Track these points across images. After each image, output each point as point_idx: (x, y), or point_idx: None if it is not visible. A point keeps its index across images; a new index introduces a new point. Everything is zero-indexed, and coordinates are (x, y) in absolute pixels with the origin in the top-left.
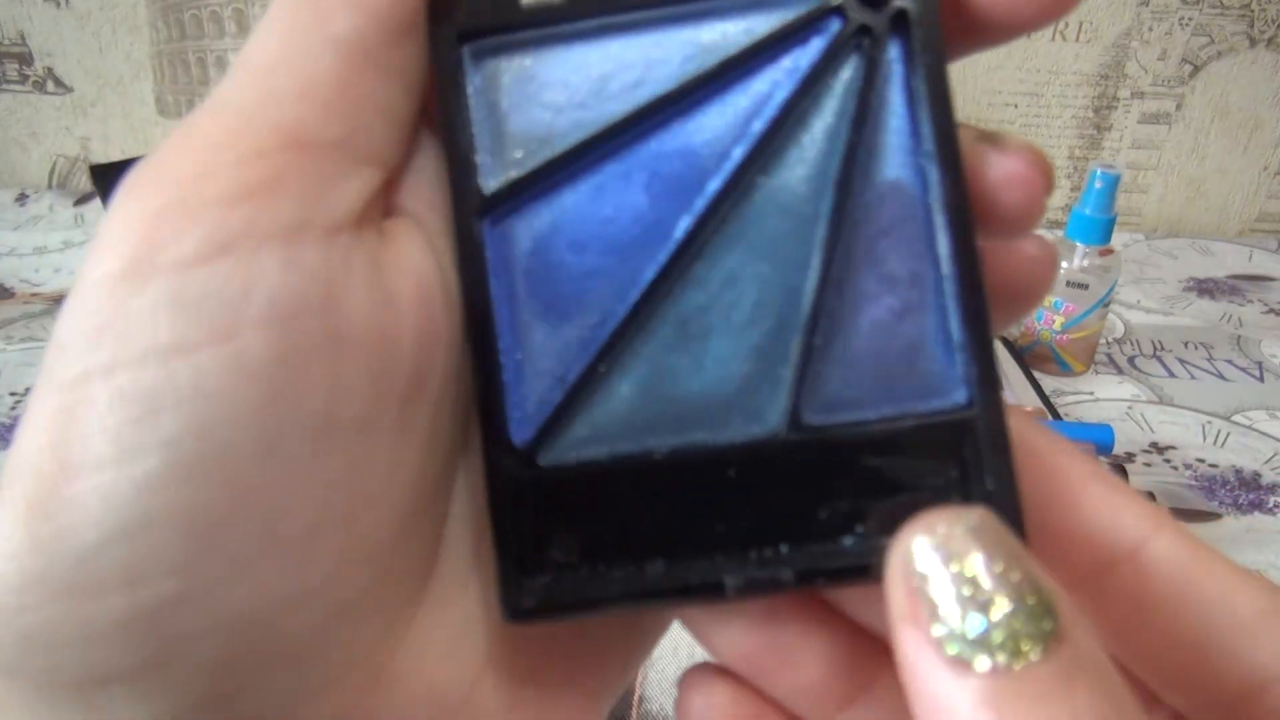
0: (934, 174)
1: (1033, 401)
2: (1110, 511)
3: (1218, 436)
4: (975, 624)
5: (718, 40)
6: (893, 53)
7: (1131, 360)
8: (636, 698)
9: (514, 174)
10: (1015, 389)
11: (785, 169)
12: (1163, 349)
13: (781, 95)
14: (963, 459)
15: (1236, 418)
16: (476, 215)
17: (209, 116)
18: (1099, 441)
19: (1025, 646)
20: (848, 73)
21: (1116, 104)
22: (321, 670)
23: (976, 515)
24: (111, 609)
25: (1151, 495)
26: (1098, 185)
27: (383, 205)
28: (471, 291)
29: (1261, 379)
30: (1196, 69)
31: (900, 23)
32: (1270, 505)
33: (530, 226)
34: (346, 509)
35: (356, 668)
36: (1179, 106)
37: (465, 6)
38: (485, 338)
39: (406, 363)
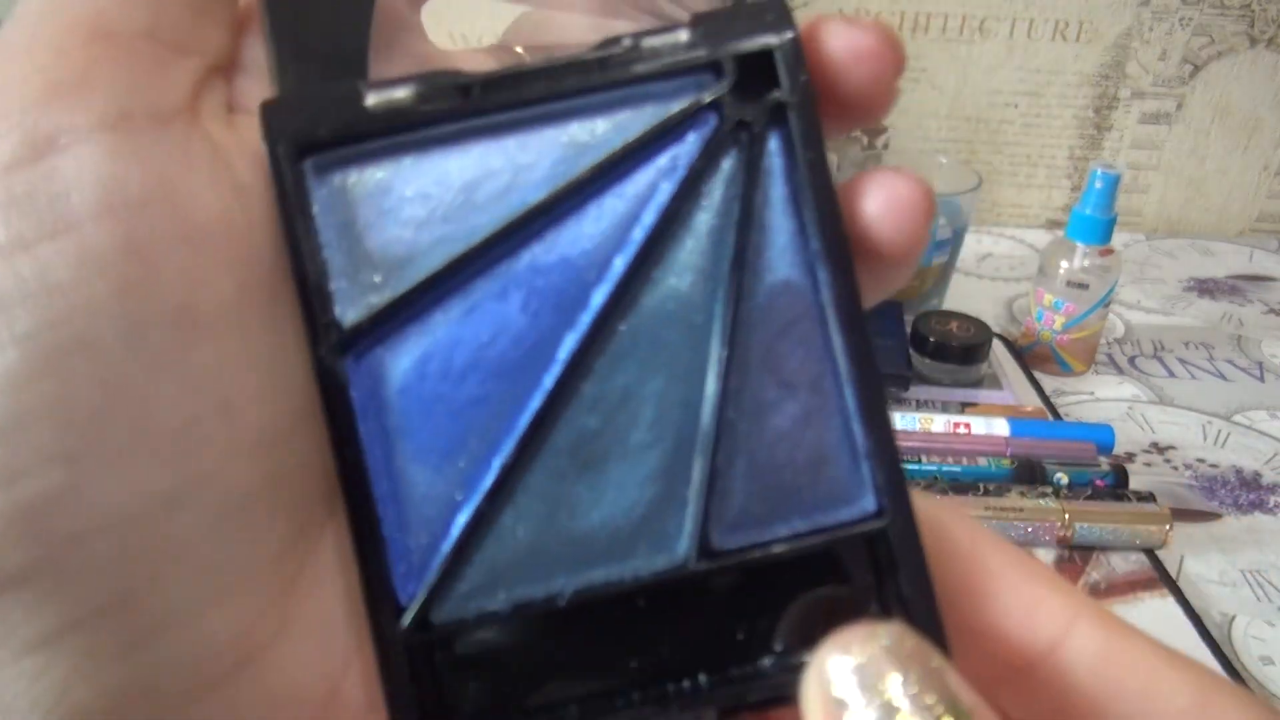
0: (823, 274)
1: (1033, 402)
2: (1028, 605)
3: (1218, 436)
4: None
5: (588, 140)
6: (772, 145)
7: (1132, 360)
8: None
9: (375, 301)
10: (1016, 389)
11: (672, 276)
12: (1163, 349)
13: (662, 197)
14: (877, 567)
15: (1237, 418)
16: (336, 352)
17: (9, 25)
18: (1099, 441)
19: None
20: (727, 169)
21: (1117, 104)
22: (218, 577)
23: (892, 632)
24: None
25: (1152, 495)
26: (1098, 185)
27: (221, 100)
28: (338, 437)
29: (1262, 379)
30: (1197, 69)
31: (778, 115)
32: (1270, 505)
33: (399, 358)
34: (223, 402)
35: (255, 583)
36: (1179, 106)
37: (304, 114)
38: (358, 488)
39: (266, 253)
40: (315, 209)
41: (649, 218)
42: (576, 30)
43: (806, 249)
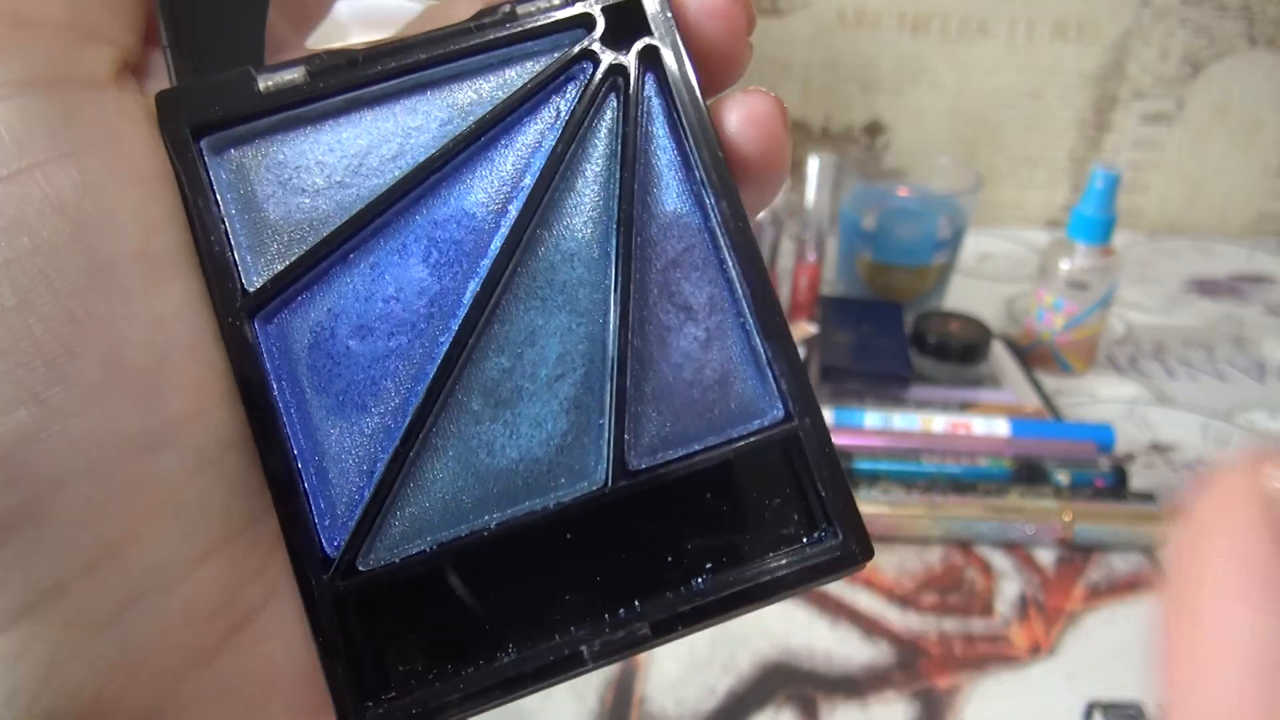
0: (710, 201)
1: (1033, 402)
2: None
3: (1218, 437)
4: None
5: (473, 100)
6: (649, 88)
7: (1132, 360)
8: (637, 698)
9: (279, 266)
10: (1016, 389)
11: (565, 217)
12: (1163, 349)
13: (548, 144)
14: (794, 473)
15: (1237, 418)
16: (244, 316)
17: None
18: (1099, 441)
19: None
20: (608, 113)
21: (1117, 104)
22: (202, 529)
23: None
24: None
25: (1152, 495)
26: (1098, 185)
27: (138, 90)
28: (252, 398)
29: (1262, 379)
30: (1197, 69)
31: (649, 57)
32: None
33: (307, 318)
34: (192, 345)
35: (240, 540)
36: (1180, 107)
37: (197, 98)
38: (276, 446)
39: None
40: (215, 185)
41: (538, 164)
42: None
43: (691, 180)
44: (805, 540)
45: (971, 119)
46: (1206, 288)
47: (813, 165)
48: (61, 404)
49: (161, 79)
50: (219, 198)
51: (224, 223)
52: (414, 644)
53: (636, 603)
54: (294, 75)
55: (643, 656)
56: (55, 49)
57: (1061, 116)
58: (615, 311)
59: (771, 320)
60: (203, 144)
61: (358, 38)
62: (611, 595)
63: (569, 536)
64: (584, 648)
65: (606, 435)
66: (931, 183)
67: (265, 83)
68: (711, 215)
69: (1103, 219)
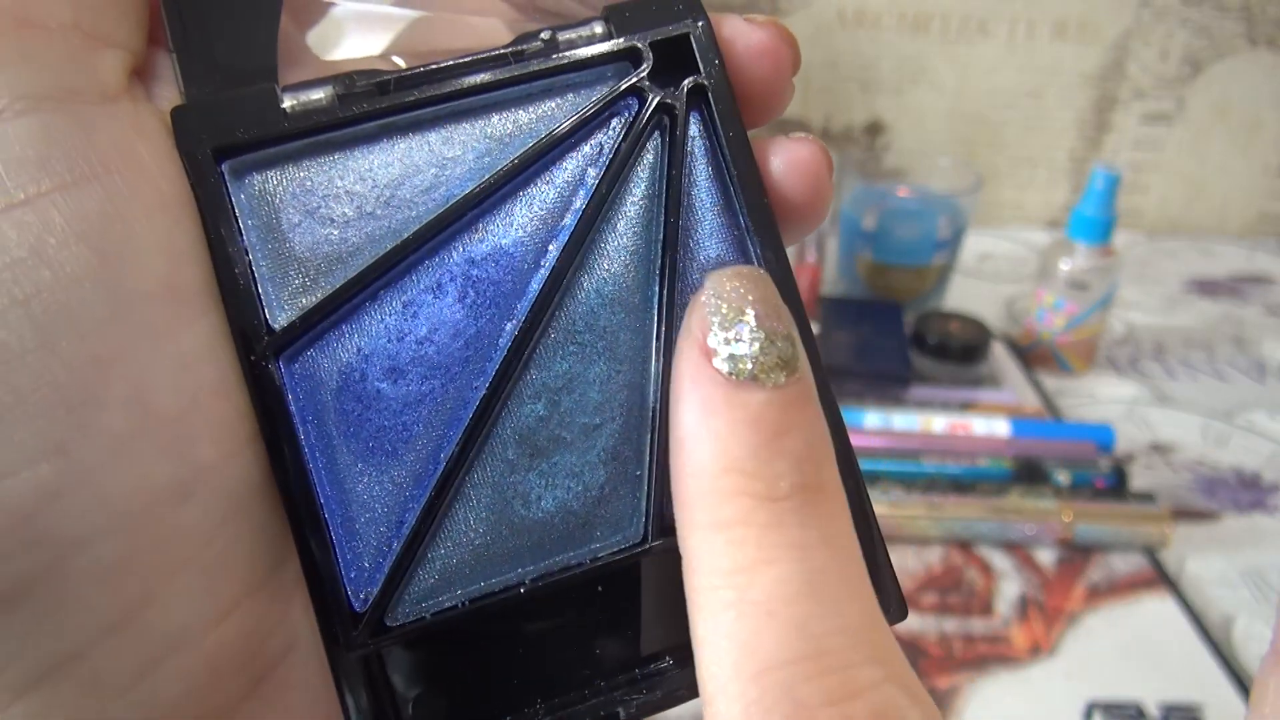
0: (755, 249)
1: (1033, 402)
2: None
3: (1218, 437)
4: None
5: (511, 131)
6: (693, 129)
7: (1132, 360)
8: None
9: (306, 302)
10: (1016, 389)
11: (606, 259)
12: (1163, 349)
13: (590, 182)
14: None
15: (1237, 418)
16: (270, 356)
17: None
18: (1099, 441)
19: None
20: (651, 152)
21: (1117, 104)
22: (227, 583)
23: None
24: None
25: (1152, 495)
26: (1098, 185)
27: (147, 97)
28: (277, 443)
29: (1262, 380)
30: (1197, 69)
31: (696, 97)
32: (1270, 505)
33: (335, 359)
34: (219, 384)
35: (263, 591)
36: (1180, 107)
37: (219, 118)
38: (302, 493)
39: None
40: (237, 212)
41: (579, 203)
42: (455, 39)
43: (735, 225)
44: None
45: (971, 119)
46: (1206, 288)
47: None
48: (86, 456)
49: (167, 82)
50: (241, 226)
51: (248, 254)
52: (443, 701)
53: (669, 659)
54: (320, 95)
55: None
56: (65, 56)
57: (1061, 116)
58: (657, 362)
59: (819, 375)
60: (224, 167)
61: (351, 35)
62: (646, 650)
63: (603, 590)
64: (620, 709)
65: (645, 488)
66: (931, 183)
67: (290, 101)
68: (755, 262)
69: (1103, 219)
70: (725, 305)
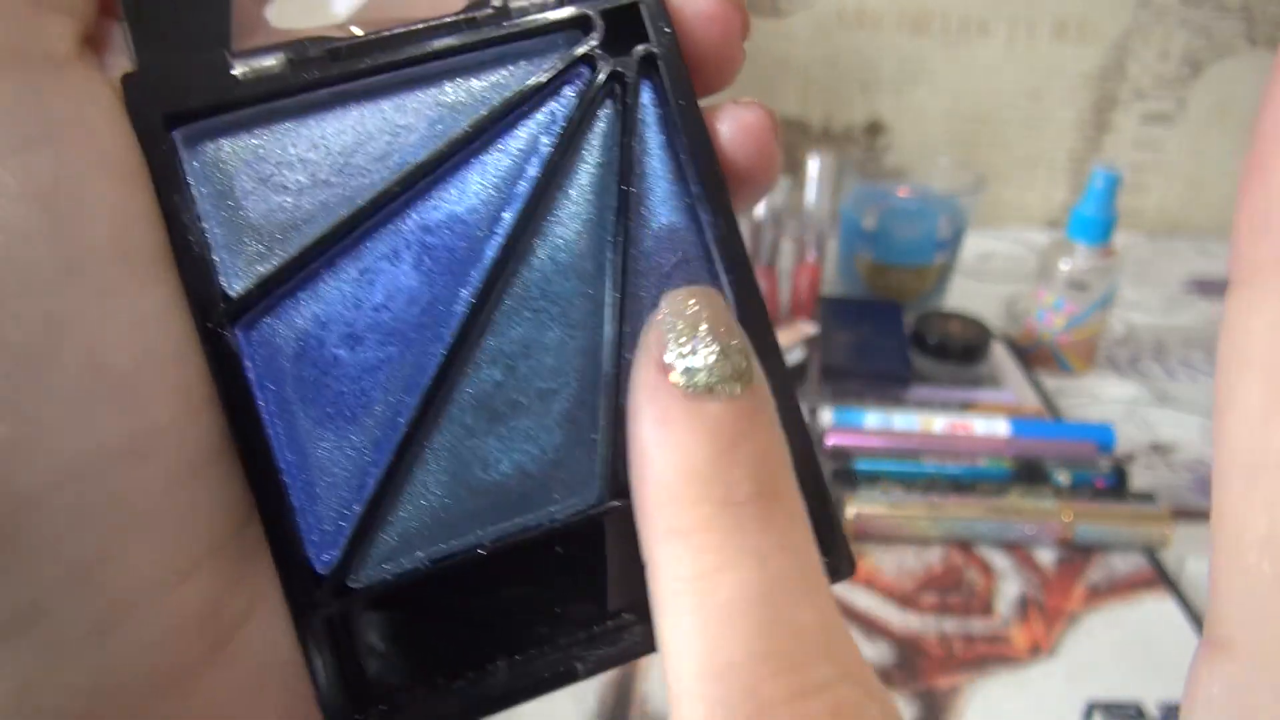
0: (705, 216)
1: (1033, 402)
2: None
3: None
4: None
5: (464, 99)
6: (645, 97)
7: (1132, 360)
8: (637, 698)
9: (262, 269)
10: (1016, 389)
11: (560, 226)
12: (1163, 349)
13: (544, 150)
14: None
15: None
16: (226, 323)
17: None
18: (1099, 441)
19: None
20: (604, 121)
21: (1117, 104)
22: (184, 544)
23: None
24: None
25: (1152, 495)
26: (1098, 185)
27: (99, 65)
28: (236, 410)
29: None
30: (1197, 69)
31: (647, 65)
32: None
33: (292, 325)
34: (175, 350)
35: (222, 552)
36: (1180, 107)
37: (169, 85)
38: (261, 460)
39: None
40: (190, 180)
41: (533, 171)
42: (414, 8)
43: (686, 193)
44: None
45: (971, 119)
46: (1206, 288)
47: (813, 165)
48: (39, 414)
49: (120, 52)
50: (195, 194)
51: (201, 221)
52: (406, 659)
53: (625, 616)
54: (272, 62)
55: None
56: (13, 19)
57: (1061, 116)
58: (612, 325)
59: (762, 336)
60: (176, 135)
61: (308, 4)
62: (602, 607)
63: (560, 550)
64: (578, 663)
65: (600, 451)
66: (931, 183)
67: (242, 68)
68: (706, 230)
69: (1103, 219)
70: (681, 323)
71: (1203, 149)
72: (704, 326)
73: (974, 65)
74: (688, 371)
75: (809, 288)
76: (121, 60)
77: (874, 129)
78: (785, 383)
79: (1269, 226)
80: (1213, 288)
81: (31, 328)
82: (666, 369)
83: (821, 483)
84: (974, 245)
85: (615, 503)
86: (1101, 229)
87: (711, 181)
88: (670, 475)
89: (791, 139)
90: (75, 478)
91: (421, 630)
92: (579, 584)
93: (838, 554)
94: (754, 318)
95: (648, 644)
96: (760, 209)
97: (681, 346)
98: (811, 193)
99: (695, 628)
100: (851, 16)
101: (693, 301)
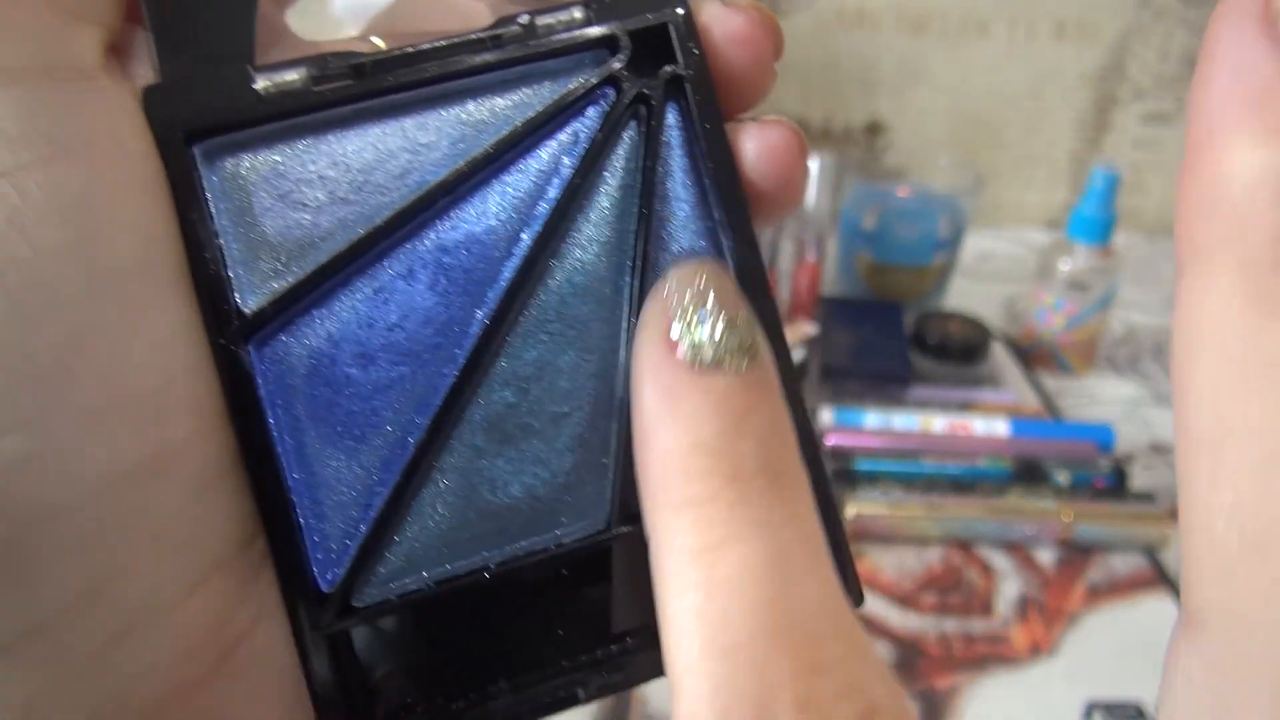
0: (728, 242)
1: (1033, 402)
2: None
3: None
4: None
5: (487, 118)
6: (670, 119)
7: (1132, 360)
8: (637, 698)
9: (277, 286)
10: (1016, 389)
11: (579, 249)
12: (1163, 349)
13: (565, 172)
14: None
15: None
16: (239, 340)
17: None
18: (1099, 441)
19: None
20: (627, 143)
21: (1117, 104)
22: (194, 559)
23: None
24: None
25: (1152, 495)
26: (1098, 185)
27: (124, 76)
28: (245, 426)
29: None
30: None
31: (674, 88)
32: None
33: (305, 343)
34: (193, 365)
35: (230, 567)
36: (1180, 107)
37: (190, 99)
38: (270, 477)
39: None
40: (208, 195)
41: (553, 192)
42: (437, 19)
43: (709, 218)
44: None
45: (971, 119)
46: None
47: (813, 165)
48: (57, 429)
49: (144, 59)
50: (213, 209)
51: (218, 237)
52: (408, 678)
53: (629, 640)
54: (294, 77)
55: None
56: (42, 31)
57: (1061, 116)
58: (627, 352)
59: (783, 367)
60: (196, 150)
61: (330, 14)
62: (606, 632)
63: (567, 574)
64: (580, 688)
65: (610, 476)
66: (931, 183)
67: (263, 83)
68: (727, 256)
69: (1102, 219)
70: (686, 296)
71: None
72: (711, 299)
73: (974, 65)
74: (694, 346)
75: (809, 288)
76: (145, 67)
77: (874, 129)
78: (792, 373)
79: (1209, 211)
80: None
81: (55, 344)
82: (672, 344)
83: (833, 506)
84: (974, 245)
85: (624, 529)
86: (1101, 229)
87: (735, 207)
88: (677, 448)
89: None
90: (93, 493)
91: (424, 650)
92: (584, 608)
93: (847, 582)
94: (773, 342)
95: (652, 670)
96: (782, 217)
97: (688, 320)
98: (811, 193)
99: (700, 603)
100: (851, 17)
101: (700, 274)
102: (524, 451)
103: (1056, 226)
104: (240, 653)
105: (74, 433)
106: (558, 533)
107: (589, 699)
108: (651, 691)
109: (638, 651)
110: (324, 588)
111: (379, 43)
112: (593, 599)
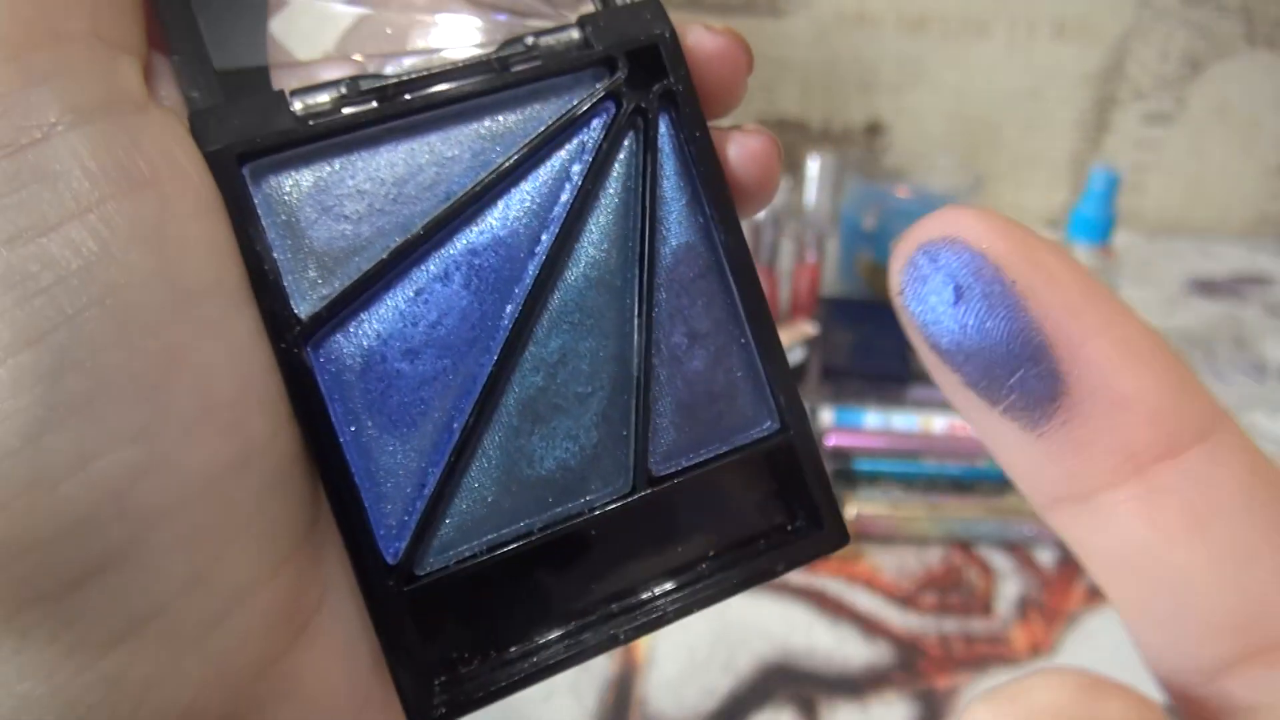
0: (718, 236)
1: None
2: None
3: None
4: None
5: (504, 132)
6: (663, 128)
7: None
8: (637, 698)
9: (327, 292)
10: None
11: (591, 246)
12: None
13: (575, 178)
14: (786, 474)
15: (1236, 419)
16: (300, 344)
17: None
18: None
19: None
20: (626, 150)
21: (1117, 104)
22: (275, 544)
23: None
24: (73, 493)
25: None
26: (1098, 185)
27: (156, 98)
28: (311, 420)
29: (1262, 380)
30: (1197, 69)
31: (666, 100)
32: None
33: (357, 342)
34: (269, 368)
35: (302, 550)
36: (1180, 107)
37: (237, 123)
38: (336, 464)
39: None
40: (259, 212)
41: (566, 196)
42: (416, 36)
43: (701, 214)
44: (793, 529)
45: (971, 119)
46: (1206, 288)
47: (813, 165)
48: (163, 439)
49: (163, 80)
50: (264, 225)
51: (273, 251)
52: (468, 635)
53: (657, 587)
54: (325, 99)
55: (643, 657)
56: (96, 66)
57: (1061, 116)
58: (638, 335)
59: (769, 341)
60: (245, 170)
61: (308, 29)
62: (637, 583)
63: (596, 534)
64: (619, 631)
65: (631, 445)
66: (931, 183)
67: (298, 106)
68: (718, 247)
69: (1102, 219)
70: None
71: (1203, 149)
72: None
73: (973, 66)
74: None
75: (809, 288)
76: (165, 88)
77: (873, 129)
78: (791, 385)
79: (1094, 441)
80: (1213, 288)
81: (152, 361)
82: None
83: (822, 467)
84: None
85: (645, 492)
86: (1101, 229)
87: (723, 204)
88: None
89: (791, 139)
90: (195, 493)
91: (479, 608)
92: (616, 564)
93: (837, 526)
94: (762, 326)
95: (677, 613)
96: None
97: None
98: (811, 193)
99: None
100: (851, 17)
101: None
102: (555, 429)
103: (1056, 227)
104: (314, 623)
105: (176, 440)
106: (589, 498)
107: (626, 640)
108: (652, 692)
109: (660, 596)
110: (390, 560)
111: (358, 58)
112: (623, 555)
